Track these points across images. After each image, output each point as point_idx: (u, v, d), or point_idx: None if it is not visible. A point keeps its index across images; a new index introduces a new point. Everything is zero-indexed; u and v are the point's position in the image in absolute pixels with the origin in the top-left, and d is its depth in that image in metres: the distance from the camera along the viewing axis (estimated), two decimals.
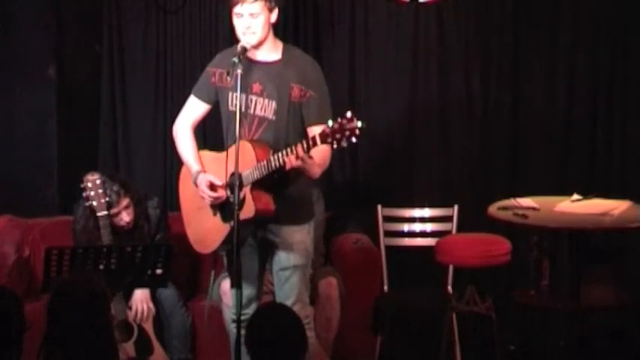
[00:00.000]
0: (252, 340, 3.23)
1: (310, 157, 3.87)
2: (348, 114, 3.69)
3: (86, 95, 5.87)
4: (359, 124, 3.67)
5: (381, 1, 5.74)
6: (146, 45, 5.80)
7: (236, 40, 4.15)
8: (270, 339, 3.17)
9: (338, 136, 3.68)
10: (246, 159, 3.93)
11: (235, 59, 3.94)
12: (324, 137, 3.72)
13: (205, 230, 4.26)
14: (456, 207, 5.48)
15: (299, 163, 3.86)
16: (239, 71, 3.92)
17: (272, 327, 3.22)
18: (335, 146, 3.73)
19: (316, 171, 4.03)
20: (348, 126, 3.67)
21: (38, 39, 5.68)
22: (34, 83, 5.71)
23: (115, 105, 5.82)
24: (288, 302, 4.14)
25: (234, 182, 3.91)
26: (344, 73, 5.78)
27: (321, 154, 3.97)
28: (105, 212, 4.65)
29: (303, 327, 3.28)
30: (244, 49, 4.05)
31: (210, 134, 5.37)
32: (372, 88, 5.80)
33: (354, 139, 3.68)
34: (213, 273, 4.56)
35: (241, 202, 3.95)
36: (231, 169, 3.96)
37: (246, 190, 3.98)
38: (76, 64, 5.83)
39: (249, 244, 4.22)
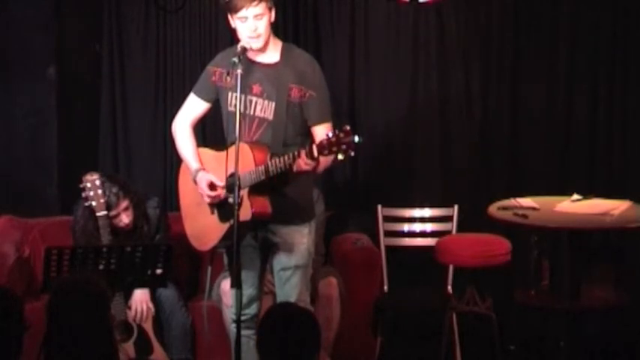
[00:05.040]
0: (264, 339, 3.17)
1: (317, 160, 3.88)
2: (347, 127, 3.71)
3: (86, 95, 5.87)
4: (356, 138, 3.68)
5: (381, 1, 5.74)
6: (146, 45, 5.80)
7: (236, 40, 4.16)
8: (283, 338, 3.12)
9: (334, 148, 3.70)
10: (244, 162, 3.94)
11: (235, 59, 3.94)
12: (320, 149, 3.74)
13: (203, 227, 4.26)
14: (456, 207, 5.48)
15: (308, 167, 3.88)
16: (239, 71, 3.92)
17: (285, 325, 3.15)
18: (331, 158, 3.74)
19: (320, 170, 4.05)
20: (344, 140, 3.69)
21: (38, 39, 5.68)
22: (34, 83, 5.70)
23: (115, 105, 5.82)
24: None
25: (233, 183, 3.91)
26: (344, 73, 5.78)
27: None
28: (104, 212, 4.65)
29: (317, 325, 3.21)
30: (244, 49, 4.05)
31: (210, 133, 5.38)
32: (372, 88, 5.80)
33: (351, 153, 3.70)
34: (210, 270, 4.55)
35: (239, 204, 3.95)
36: (229, 170, 3.96)
37: (244, 193, 3.98)
38: (76, 64, 5.83)
39: (250, 244, 4.22)
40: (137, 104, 5.84)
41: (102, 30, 5.81)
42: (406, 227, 5.55)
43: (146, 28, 5.79)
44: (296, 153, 3.85)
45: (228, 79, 4.08)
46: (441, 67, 5.76)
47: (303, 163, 3.85)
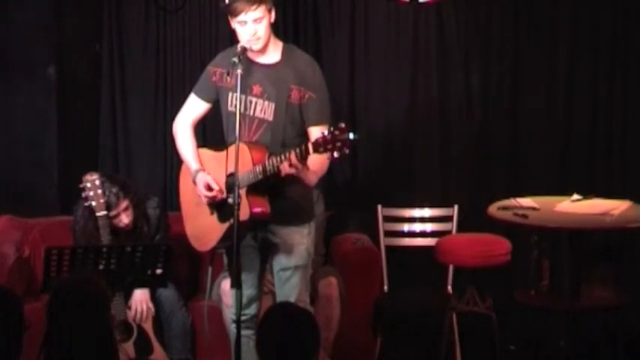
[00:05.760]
0: (263, 339, 3.16)
1: (304, 165, 3.88)
2: (342, 125, 3.71)
3: (86, 95, 5.87)
4: (351, 135, 3.69)
5: (381, 1, 5.74)
6: (146, 45, 5.79)
7: (236, 40, 4.16)
8: (282, 338, 3.11)
9: (330, 146, 3.70)
10: (242, 161, 3.93)
11: (235, 59, 3.95)
12: (316, 147, 3.74)
13: (202, 228, 4.27)
14: (456, 207, 5.48)
15: (293, 170, 3.88)
16: (239, 71, 3.93)
17: (285, 325, 3.15)
18: (327, 156, 3.75)
19: (312, 178, 4.06)
20: (340, 137, 3.69)
21: (38, 39, 5.68)
22: (34, 83, 5.70)
23: (115, 105, 5.82)
24: None
25: (232, 183, 3.91)
26: (344, 73, 5.78)
27: (318, 160, 3.97)
28: (104, 212, 4.65)
29: (316, 324, 3.20)
30: (244, 49, 4.05)
31: (210, 133, 5.38)
32: (372, 88, 5.80)
33: (346, 151, 3.70)
34: (210, 270, 4.56)
35: (237, 204, 3.96)
36: (228, 170, 3.96)
37: (242, 193, 3.98)
38: (76, 64, 5.83)
39: (250, 244, 4.22)
40: (137, 104, 5.84)
41: (102, 30, 5.81)
42: (406, 227, 5.55)
43: (146, 28, 5.79)
44: (287, 154, 3.85)
45: (229, 79, 4.09)
46: (441, 67, 5.76)
47: (289, 164, 3.85)
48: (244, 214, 3.96)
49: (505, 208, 5.03)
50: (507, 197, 5.20)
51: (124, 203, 4.80)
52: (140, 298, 4.82)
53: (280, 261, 4.23)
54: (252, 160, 3.98)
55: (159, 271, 4.18)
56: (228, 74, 4.08)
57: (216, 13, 5.69)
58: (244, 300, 4.14)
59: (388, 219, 5.53)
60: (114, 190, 4.75)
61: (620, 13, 5.66)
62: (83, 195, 4.65)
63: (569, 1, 5.69)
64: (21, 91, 5.70)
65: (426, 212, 5.55)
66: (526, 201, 5.10)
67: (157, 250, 4.20)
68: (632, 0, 5.63)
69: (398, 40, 5.77)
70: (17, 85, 5.71)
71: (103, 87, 5.84)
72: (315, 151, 3.75)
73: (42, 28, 5.68)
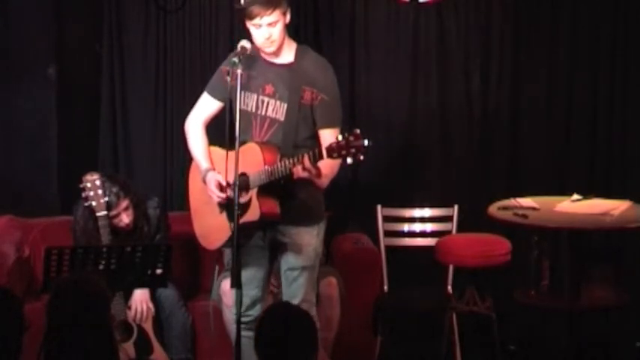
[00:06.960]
0: (261, 339, 3.15)
1: (317, 169, 3.89)
2: (357, 131, 3.72)
3: (86, 95, 5.87)
4: (365, 142, 3.69)
5: (381, 1, 5.74)
6: (146, 45, 5.79)
7: (237, 40, 4.17)
8: (281, 338, 3.10)
9: (344, 152, 3.71)
10: (254, 161, 3.96)
11: (235, 59, 3.96)
12: (330, 151, 3.75)
13: (211, 226, 4.27)
14: (456, 207, 5.48)
15: (306, 174, 3.89)
16: (239, 71, 3.93)
17: (283, 326, 3.15)
18: (336, 170, 3.76)
19: (324, 181, 4.08)
20: (354, 143, 3.70)
21: (38, 38, 5.68)
22: (34, 83, 5.70)
23: (115, 105, 5.81)
24: (295, 301, 4.14)
25: (242, 183, 3.92)
26: (344, 74, 5.77)
27: (329, 164, 3.98)
28: (104, 212, 4.65)
29: (314, 325, 3.21)
30: (244, 49, 4.06)
31: (211, 133, 5.37)
32: (372, 88, 5.80)
33: (360, 157, 3.70)
34: (217, 269, 4.56)
35: (247, 205, 3.98)
36: (238, 169, 3.97)
37: (253, 193, 3.99)
38: (76, 63, 5.83)
39: (258, 245, 4.23)
40: (137, 104, 5.83)
41: (102, 30, 5.80)
42: (406, 227, 5.55)
43: (146, 28, 5.79)
44: (300, 157, 3.85)
45: (229, 79, 4.10)
46: (441, 67, 5.76)
47: (302, 169, 3.86)
48: (254, 214, 3.98)
49: (505, 208, 5.03)
50: (507, 197, 5.20)
51: (124, 203, 4.80)
52: (140, 298, 4.82)
53: (288, 260, 4.24)
54: (264, 160, 4.00)
55: (159, 271, 4.18)
56: (228, 74, 4.10)
57: (216, 13, 5.70)
58: (249, 301, 4.16)
59: (388, 219, 5.53)
60: (114, 190, 4.74)
61: (620, 13, 5.66)
62: (83, 195, 4.65)
63: (569, 1, 5.69)
64: (21, 91, 5.70)
65: (426, 212, 5.55)
66: (526, 201, 5.10)
67: (157, 250, 4.20)
68: (632, 0, 5.63)
69: (398, 40, 5.77)
70: (17, 85, 5.70)
71: (103, 87, 5.83)
72: (329, 156, 3.76)
73: (42, 28, 5.67)
